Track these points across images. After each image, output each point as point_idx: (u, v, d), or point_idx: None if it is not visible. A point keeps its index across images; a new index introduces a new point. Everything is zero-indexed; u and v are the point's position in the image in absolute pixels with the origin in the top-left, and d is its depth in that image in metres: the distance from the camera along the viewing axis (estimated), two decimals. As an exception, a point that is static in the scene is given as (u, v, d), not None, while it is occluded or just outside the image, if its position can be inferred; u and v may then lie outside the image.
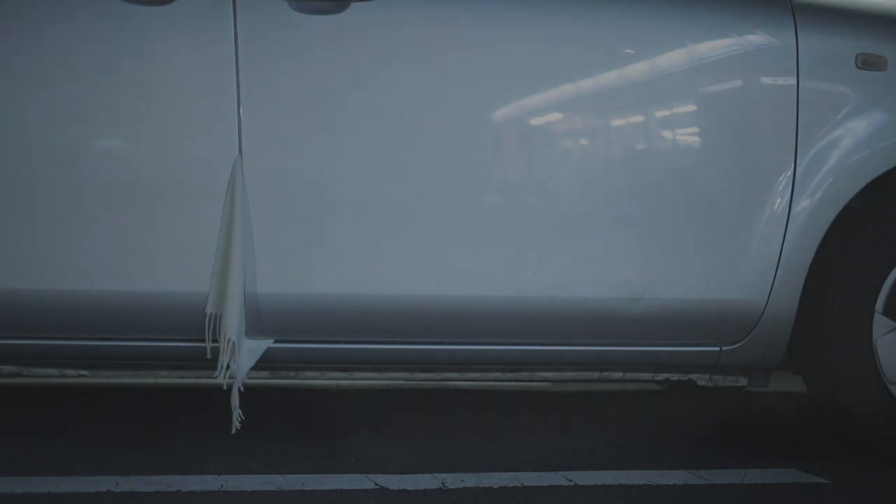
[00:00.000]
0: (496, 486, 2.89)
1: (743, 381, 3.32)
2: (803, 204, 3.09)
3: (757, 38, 3.11)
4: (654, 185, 3.07)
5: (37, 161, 2.88)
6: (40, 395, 3.89)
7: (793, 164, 3.09)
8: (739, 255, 3.09)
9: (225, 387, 2.94)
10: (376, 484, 2.86)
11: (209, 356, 2.93)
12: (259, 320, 2.97)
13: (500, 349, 3.14)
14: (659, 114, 3.10)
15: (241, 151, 2.90)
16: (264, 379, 3.34)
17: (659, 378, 3.37)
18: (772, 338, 3.14)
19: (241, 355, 2.94)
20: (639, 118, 3.10)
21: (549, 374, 3.33)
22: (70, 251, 2.91)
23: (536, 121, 3.07)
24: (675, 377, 3.34)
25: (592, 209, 3.07)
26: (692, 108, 3.12)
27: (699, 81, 3.10)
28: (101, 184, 2.90)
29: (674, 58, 3.09)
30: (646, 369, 3.28)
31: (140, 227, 2.91)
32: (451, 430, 3.55)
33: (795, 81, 3.08)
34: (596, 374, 3.29)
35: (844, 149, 3.11)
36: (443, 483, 2.90)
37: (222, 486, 2.82)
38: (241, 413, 2.97)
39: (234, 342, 2.90)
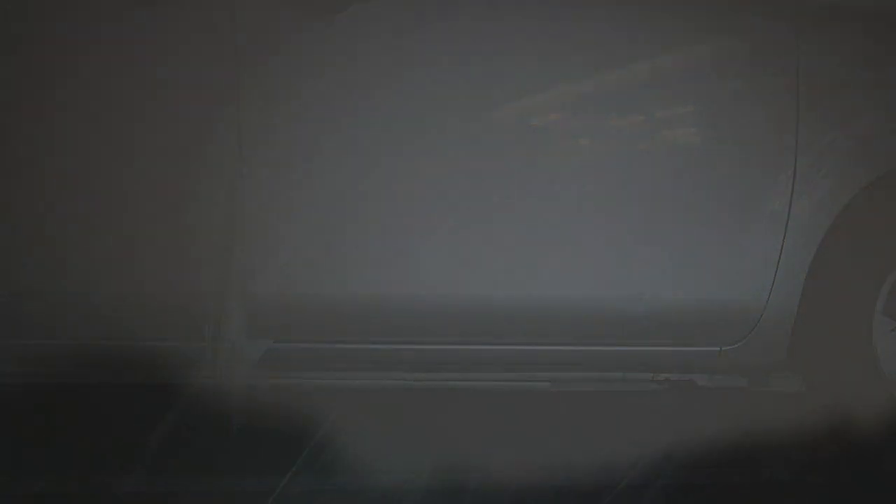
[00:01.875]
0: (496, 486, 2.89)
1: (743, 381, 3.32)
2: (803, 204, 3.09)
3: (757, 38, 3.11)
4: (655, 185, 3.07)
5: (29, 161, 2.88)
6: (40, 396, 3.88)
7: (793, 164, 3.09)
8: (739, 255, 3.09)
9: (225, 387, 2.94)
10: (376, 484, 2.86)
11: (209, 356, 2.93)
12: (259, 320, 2.97)
13: (500, 349, 3.14)
14: (659, 113, 3.10)
15: (240, 151, 2.90)
16: (264, 379, 3.33)
17: (659, 378, 3.37)
18: (772, 338, 3.14)
19: (241, 355, 2.94)
20: (638, 118, 3.10)
21: (549, 374, 3.33)
22: (69, 251, 2.91)
23: (537, 121, 3.07)
24: (675, 377, 3.33)
25: (592, 209, 3.07)
26: (692, 107, 3.12)
27: (699, 81, 3.10)
28: (100, 184, 2.90)
29: (674, 57, 3.09)
30: (646, 369, 3.28)
31: (139, 227, 2.91)
32: (451, 430, 3.55)
33: (795, 81, 3.08)
34: (596, 375, 3.29)
35: (844, 149, 3.11)
36: (443, 483, 2.90)
37: (222, 486, 2.81)
38: (241, 413, 2.96)
39: (234, 342, 2.90)
